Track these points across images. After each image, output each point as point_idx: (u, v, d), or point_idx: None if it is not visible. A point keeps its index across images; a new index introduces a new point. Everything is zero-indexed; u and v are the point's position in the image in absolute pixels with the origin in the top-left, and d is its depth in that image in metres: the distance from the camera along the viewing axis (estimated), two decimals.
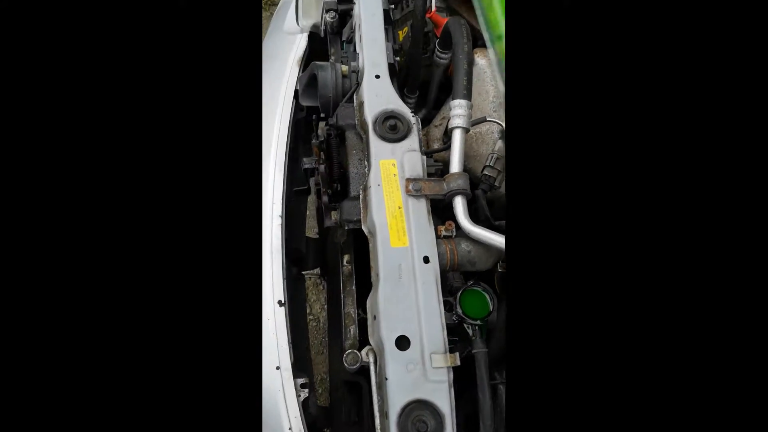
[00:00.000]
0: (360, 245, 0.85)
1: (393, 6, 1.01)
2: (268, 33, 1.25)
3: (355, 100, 0.87)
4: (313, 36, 1.12)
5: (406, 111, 0.82)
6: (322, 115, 0.93)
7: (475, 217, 0.76)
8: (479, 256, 0.75)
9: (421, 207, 0.74)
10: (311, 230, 1.25)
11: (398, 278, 0.70)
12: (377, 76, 0.85)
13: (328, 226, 0.83)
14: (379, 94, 0.83)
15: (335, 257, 0.93)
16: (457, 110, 0.79)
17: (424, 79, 1.02)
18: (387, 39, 0.89)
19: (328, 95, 0.89)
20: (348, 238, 0.87)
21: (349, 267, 0.86)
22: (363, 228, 0.77)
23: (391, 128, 0.80)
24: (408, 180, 0.76)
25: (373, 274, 0.74)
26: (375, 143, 0.79)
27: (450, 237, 0.76)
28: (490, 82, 0.91)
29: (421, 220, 0.73)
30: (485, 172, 0.82)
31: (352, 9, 1.03)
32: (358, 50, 0.91)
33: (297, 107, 1.04)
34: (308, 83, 0.93)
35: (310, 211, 1.23)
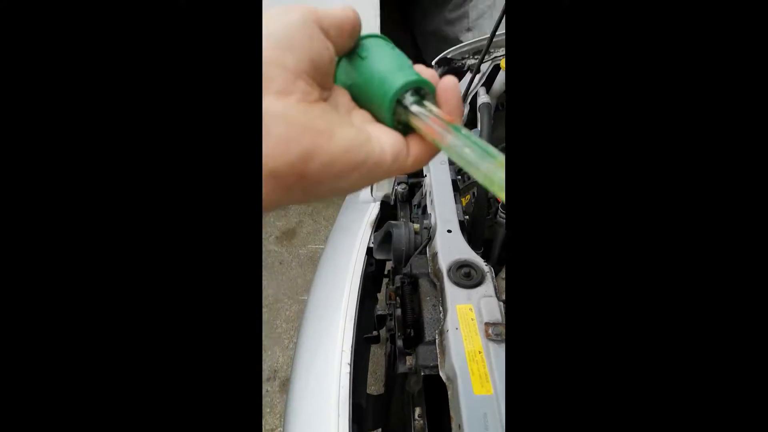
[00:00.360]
0: (432, 397, 0.80)
1: (459, 176, 1.16)
2: (344, 205, 1.44)
3: (428, 252, 0.94)
4: (384, 204, 1.27)
5: (479, 260, 0.87)
6: (391, 268, 1.00)
7: None
8: None
9: (503, 352, 0.73)
10: (369, 387, 1.19)
11: (484, 430, 0.64)
12: (449, 231, 0.93)
13: (403, 372, 0.81)
14: (451, 247, 0.90)
15: (402, 412, 0.86)
16: None
17: (488, 238, 1.10)
18: (456, 201, 1.00)
19: (401, 249, 0.97)
20: (421, 388, 0.83)
21: (422, 421, 0.80)
22: (441, 374, 0.74)
23: (466, 275, 0.84)
24: (487, 324, 0.76)
25: (454, 425, 0.68)
26: (451, 289, 0.82)
27: None
28: None
29: (504, 367, 0.71)
30: None
31: (421, 181, 1.19)
32: (429, 210, 1.02)
33: (368, 263, 1.13)
34: (383, 239, 1.03)
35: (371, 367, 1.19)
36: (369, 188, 1.33)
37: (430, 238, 0.95)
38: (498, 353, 0.72)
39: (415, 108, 0.29)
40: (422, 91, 0.30)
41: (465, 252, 0.89)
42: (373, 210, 1.25)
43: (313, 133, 0.26)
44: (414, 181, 1.24)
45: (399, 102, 0.29)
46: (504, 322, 0.76)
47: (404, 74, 0.29)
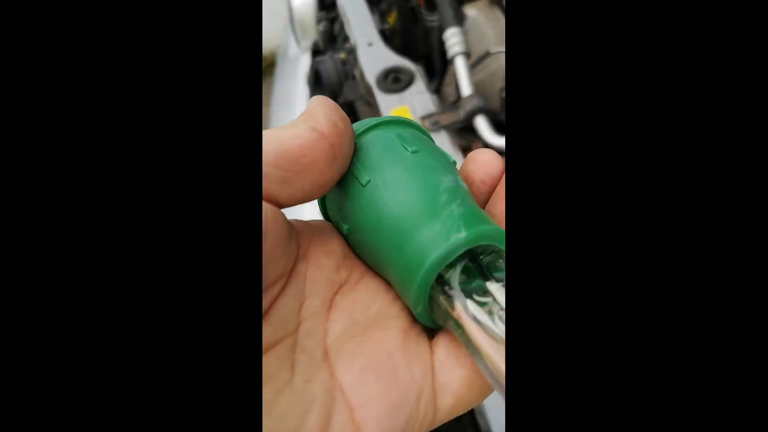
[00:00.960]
0: None
1: None
2: (276, 70, 1.22)
3: (356, 75, 0.89)
4: (316, 52, 1.15)
5: (405, 63, 0.83)
6: None
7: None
8: None
9: (443, 139, 0.73)
10: None
11: None
12: (370, 44, 0.88)
13: None
14: (375, 58, 0.85)
15: None
16: (452, 39, 0.79)
17: (426, 52, 1.00)
18: (372, 13, 0.94)
19: (333, 82, 0.91)
20: None
21: None
22: None
23: (395, 80, 0.81)
24: (423, 118, 0.75)
25: None
26: (382, 98, 0.80)
27: None
28: (486, 26, 0.90)
29: (446, 149, 0.65)
30: (504, 94, 0.79)
31: (336, 13, 1.06)
32: (347, 32, 0.95)
33: None
34: (315, 82, 0.97)
35: None
36: (294, 39, 1.18)
37: (355, 58, 0.89)
38: (437, 141, 0.72)
39: (470, 305, 0.15)
40: (488, 252, 0.16)
41: (389, 59, 0.85)
42: (305, 60, 1.16)
43: None
44: (333, 14, 1.12)
45: (440, 281, 0.15)
46: (438, 111, 0.76)
47: (447, 229, 0.15)
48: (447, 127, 0.74)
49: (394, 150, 0.17)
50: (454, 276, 0.15)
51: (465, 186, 0.18)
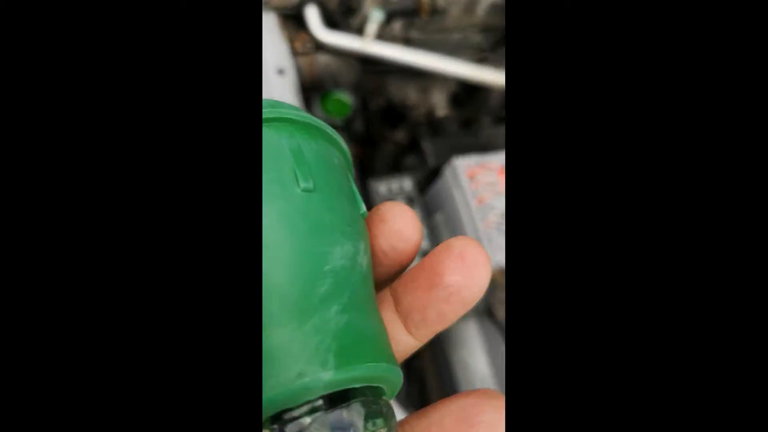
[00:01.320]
0: None
1: None
2: None
3: None
4: None
5: None
6: None
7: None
8: (340, 69, 0.73)
9: (270, 20, 0.69)
10: None
11: None
12: None
13: None
14: None
15: None
16: None
17: None
18: None
19: None
20: None
21: None
22: None
23: None
24: None
25: None
26: None
27: (308, 53, 0.72)
28: None
29: (272, 35, 0.68)
30: None
31: None
32: None
33: None
34: None
35: None
36: None
37: None
38: (265, 21, 0.69)
39: None
40: (365, 392, 0.11)
41: None
42: None
43: None
44: None
45: (278, 417, 0.11)
46: None
47: (310, 351, 0.10)
48: (277, 10, 0.69)
49: (279, 177, 0.12)
50: (304, 423, 0.10)
51: (366, 262, 0.12)
